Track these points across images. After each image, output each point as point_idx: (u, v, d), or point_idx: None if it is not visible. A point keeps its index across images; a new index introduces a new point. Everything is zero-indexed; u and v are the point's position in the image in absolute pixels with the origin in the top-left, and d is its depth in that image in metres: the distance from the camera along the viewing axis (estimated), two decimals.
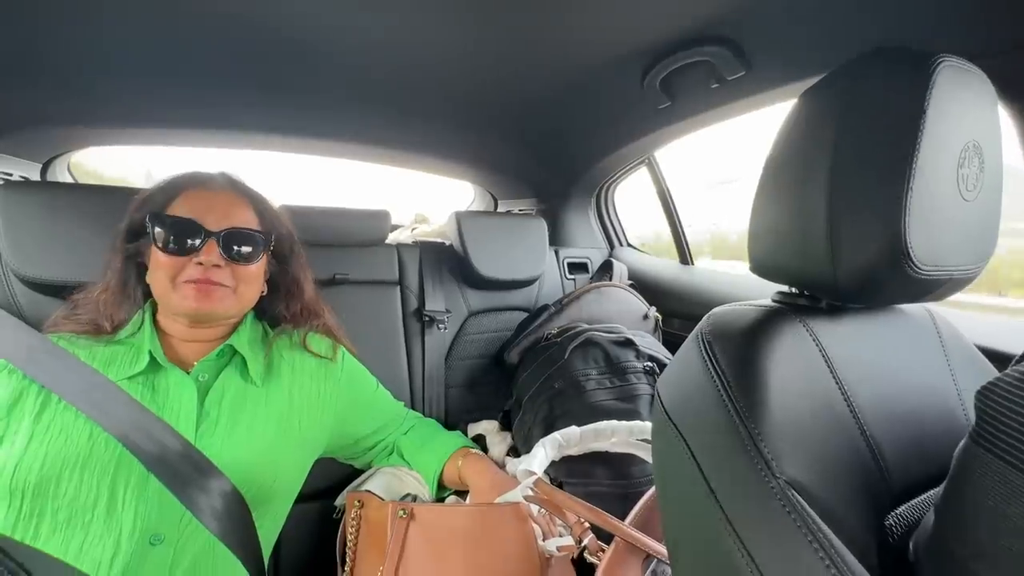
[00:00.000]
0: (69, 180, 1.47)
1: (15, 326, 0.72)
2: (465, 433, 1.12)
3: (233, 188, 0.77)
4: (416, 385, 1.24)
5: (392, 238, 1.59)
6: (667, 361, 1.03)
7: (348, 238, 1.23)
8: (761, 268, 0.54)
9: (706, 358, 0.48)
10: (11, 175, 1.20)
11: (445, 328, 1.28)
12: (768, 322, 0.48)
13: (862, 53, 0.45)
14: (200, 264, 0.69)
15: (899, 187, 0.40)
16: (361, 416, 0.91)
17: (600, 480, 0.87)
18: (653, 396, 0.96)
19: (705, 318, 0.54)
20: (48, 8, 0.78)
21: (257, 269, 0.76)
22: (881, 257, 0.42)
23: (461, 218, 1.33)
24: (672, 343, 1.24)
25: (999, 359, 0.59)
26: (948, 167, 0.42)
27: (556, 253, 1.58)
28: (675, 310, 1.39)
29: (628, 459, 0.85)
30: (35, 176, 1.30)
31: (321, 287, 1.16)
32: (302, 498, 0.86)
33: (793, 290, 0.54)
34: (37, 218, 0.89)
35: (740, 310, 0.52)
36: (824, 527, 0.37)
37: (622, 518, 0.66)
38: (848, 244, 0.43)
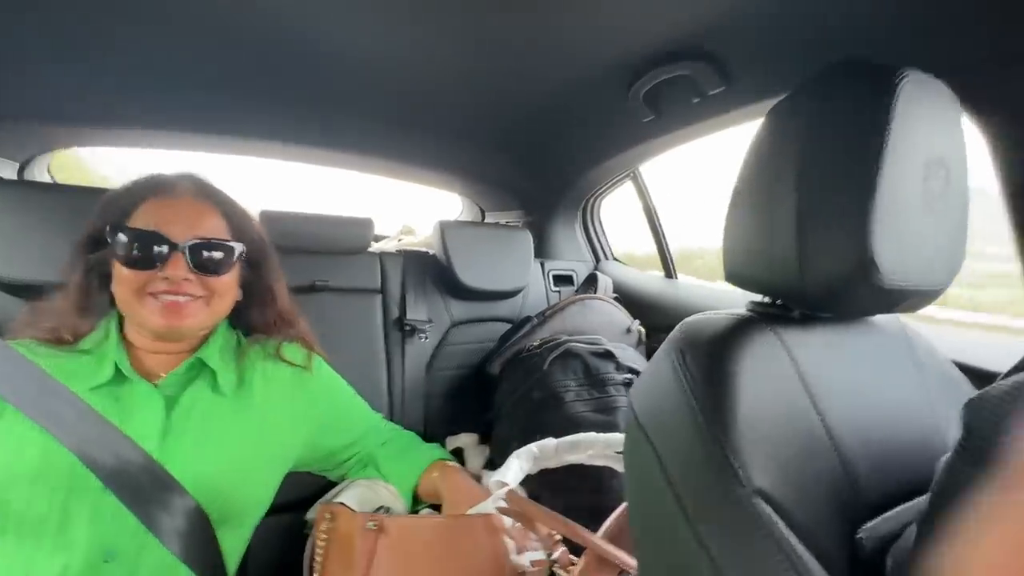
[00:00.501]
0: (48, 181, 1.45)
1: None
2: (444, 446, 1.10)
3: (199, 194, 0.72)
4: (396, 395, 1.22)
5: (378, 248, 1.58)
6: None
7: (330, 245, 1.22)
8: (735, 277, 0.54)
9: (677, 366, 0.47)
10: None
11: (426, 338, 1.26)
12: (739, 330, 0.47)
13: (825, 67, 0.46)
14: (166, 279, 0.65)
15: (865, 198, 0.40)
16: (336, 428, 0.89)
17: (577, 493, 0.85)
18: None
19: (678, 327, 0.53)
20: (34, 1, 0.77)
21: (229, 279, 0.72)
22: (847, 265, 0.42)
23: (445, 227, 1.32)
24: None
25: (975, 375, 0.59)
26: (914, 180, 0.42)
27: (542, 265, 1.58)
28: (659, 324, 1.39)
29: (605, 472, 0.84)
30: (12, 175, 1.27)
31: (300, 294, 1.15)
32: (272, 511, 0.84)
33: (766, 299, 0.53)
34: (12, 217, 0.87)
35: (712, 318, 0.51)
36: (793, 539, 0.36)
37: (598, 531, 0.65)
38: (815, 253, 0.44)
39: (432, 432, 1.22)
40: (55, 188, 0.99)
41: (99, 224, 0.68)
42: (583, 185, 1.52)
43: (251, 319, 0.81)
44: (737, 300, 1.23)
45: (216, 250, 0.68)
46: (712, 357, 0.45)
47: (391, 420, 1.17)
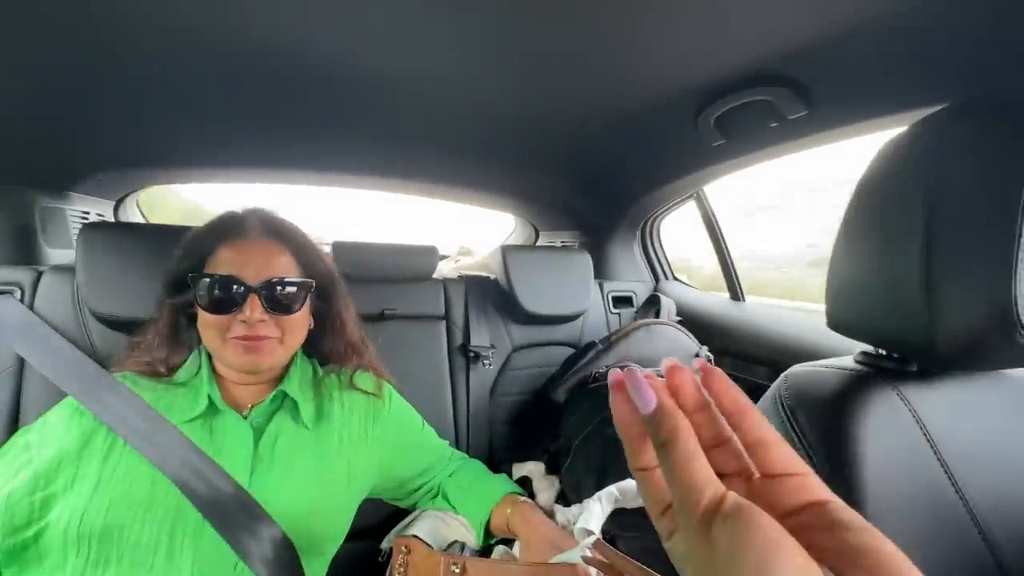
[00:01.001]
0: (138, 215, 1.57)
1: (83, 362, 0.75)
2: (510, 473, 1.09)
3: (268, 232, 0.75)
4: (461, 421, 1.23)
5: (437, 271, 1.61)
6: None
7: (397, 273, 1.25)
8: (841, 325, 0.51)
9: (788, 425, 0.45)
10: (88, 214, 1.28)
11: (490, 364, 1.27)
12: (856, 389, 0.45)
13: (958, 102, 0.43)
14: (244, 322, 0.68)
15: (1008, 247, 0.37)
16: (408, 457, 0.90)
17: (655, 535, 0.83)
18: None
19: (781, 379, 0.51)
20: (124, 64, 0.83)
21: (301, 316, 0.75)
22: (989, 322, 0.38)
23: (507, 252, 1.33)
24: None
25: None
26: None
27: (600, 286, 1.56)
28: (726, 348, 1.34)
29: None
30: (108, 213, 1.38)
31: (370, 322, 1.18)
32: (348, 537, 0.85)
33: (880, 351, 0.50)
34: (108, 257, 0.94)
35: (821, 372, 0.49)
36: None
37: None
38: (950, 305, 0.40)
39: (497, 458, 1.22)
40: (145, 228, 1.07)
41: (182, 268, 0.73)
42: (644, 206, 1.49)
43: (323, 348, 0.84)
44: (810, 324, 1.17)
45: (288, 288, 0.71)
46: (829, 418, 0.43)
47: (457, 446, 1.18)
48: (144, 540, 0.60)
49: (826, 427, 0.43)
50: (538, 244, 1.98)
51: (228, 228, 0.74)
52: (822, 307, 0.53)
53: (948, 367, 0.46)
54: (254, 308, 0.68)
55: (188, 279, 0.70)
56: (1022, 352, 0.40)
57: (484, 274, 1.47)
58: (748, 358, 1.29)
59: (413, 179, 1.48)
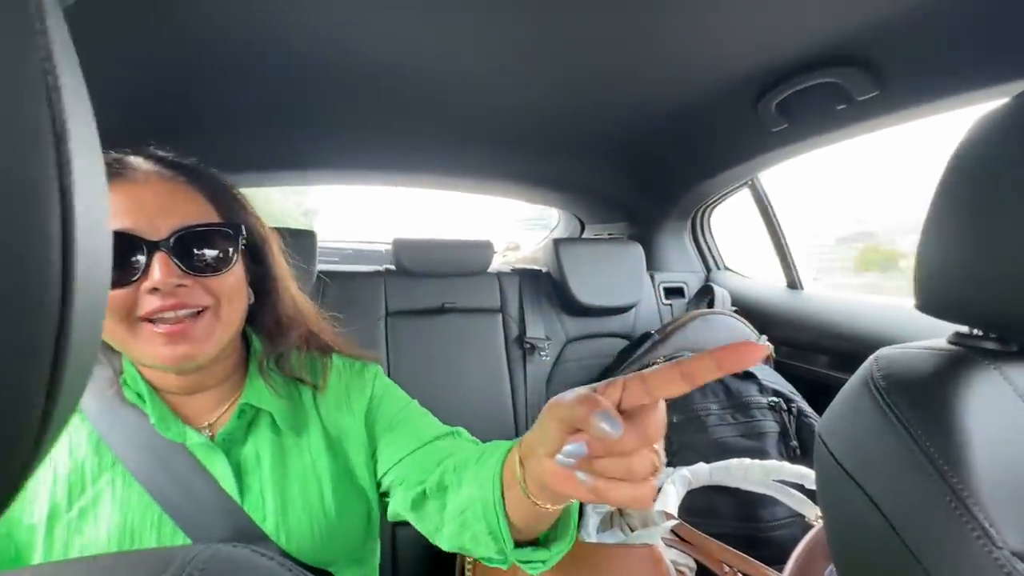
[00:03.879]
0: None
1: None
2: None
3: (169, 171, 0.53)
4: (520, 412, 1.25)
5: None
6: (792, 396, 0.98)
7: (455, 268, 1.28)
8: (933, 305, 0.50)
9: (884, 407, 0.45)
10: None
11: (546, 355, 1.29)
12: (956, 369, 0.44)
13: None
14: (156, 290, 0.47)
15: None
16: (403, 431, 0.66)
17: (724, 519, 0.83)
18: (780, 434, 0.91)
19: (872, 361, 0.51)
20: (199, 77, 0.89)
21: (236, 277, 0.54)
22: None
23: (559, 245, 1.34)
24: (788, 374, 1.17)
25: None
26: None
27: (652, 278, 1.55)
28: (785, 338, 1.32)
29: (757, 499, 0.81)
30: None
31: (431, 315, 1.22)
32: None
33: (975, 331, 0.49)
34: None
35: (916, 354, 0.48)
36: None
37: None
38: None
39: None
40: None
41: None
42: (696, 195, 1.47)
43: (265, 323, 0.61)
44: (873, 312, 1.14)
45: (209, 237, 0.51)
46: (932, 400, 0.43)
47: (516, 437, 1.21)
48: None
49: (928, 409, 0.42)
50: (583, 236, 1.98)
51: (111, 172, 0.50)
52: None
53: None
54: (165, 268, 0.47)
55: None
56: None
57: (536, 267, 1.49)
58: (807, 347, 1.27)
59: (464, 176, 1.51)
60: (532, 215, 2.37)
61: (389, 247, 1.25)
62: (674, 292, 1.58)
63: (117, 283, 0.47)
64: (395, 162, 1.42)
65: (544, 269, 1.44)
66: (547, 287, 1.39)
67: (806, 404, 0.97)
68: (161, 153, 0.55)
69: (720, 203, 1.57)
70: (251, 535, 0.53)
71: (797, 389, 1.04)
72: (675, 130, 1.19)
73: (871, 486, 0.44)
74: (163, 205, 0.50)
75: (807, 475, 0.75)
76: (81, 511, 0.50)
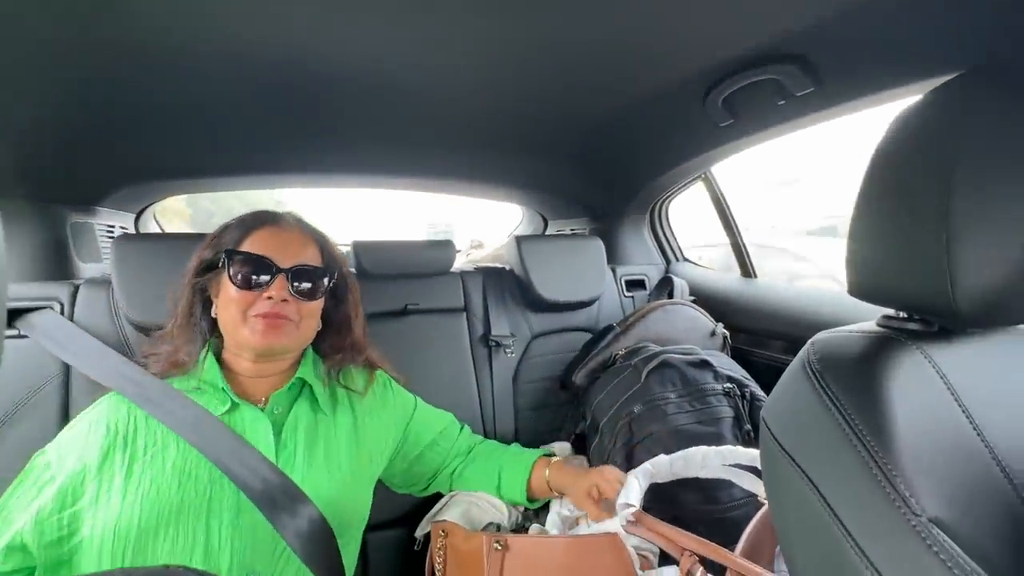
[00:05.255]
0: (155, 226, 1.60)
1: (129, 367, 0.78)
2: None
3: (301, 227, 0.80)
4: (487, 409, 1.26)
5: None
6: (745, 381, 1.02)
7: (417, 269, 1.28)
8: (863, 291, 0.53)
9: (819, 389, 0.48)
10: (113, 227, 1.32)
11: (511, 352, 1.30)
12: (883, 350, 0.47)
13: (977, 66, 0.45)
14: (270, 299, 0.70)
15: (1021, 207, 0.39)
16: (417, 431, 0.94)
17: (685, 505, 0.86)
18: (735, 419, 0.95)
19: (809, 345, 0.53)
20: (150, 81, 0.86)
21: (318, 306, 0.78)
22: (1007, 281, 0.41)
23: (521, 242, 1.35)
24: (744, 360, 1.21)
25: None
26: None
27: (613, 271, 1.58)
28: (740, 325, 1.37)
29: (716, 483, 0.84)
30: (130, 225, 1.41)
31: (393, 317, 1.21)
32: (381, 526, 0.87)
33: (901, 314, 0.52)
34: (144, 266, 0.97)
35: (848, 337, 0.51)
36: (976, 567, 0.36)
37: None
38: (969, 265, 0.42)
39: (524, 443, 1.25)
40: (174, 237, 1.10)
41: (211, 252, 0.75)
42: (652, 189, 1.51)
43: (325, 346, 0.85)
44: (820, 298, 1.19)
45: (313, 275, 0.75)
46: (860, 381, 0.45)
47: (484, 434, 1.22)
48: (180, 542, 0.62)
49: (857, 388, 0.45)
50: (546, 233, 2.00)
51: (266, 217, 0.78)
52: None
53: (968, 326, 0.48)
54: (281, 288, 0.71)
55: (224, 254, 0.72)
56: None
57: (499, 265, 1.50)
58: (762, 333, 1.32)
59: (423, 176, 1.50)
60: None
61: (349, 249, 1.23)
62: (635, 284, 1.61)
63: (249, 287, 0.71)
64: (357, 164, 1.41)
65: (507, 267, 1.44)
66: (511, 284, 1.40)
67: (759, 389, 1.01)
68: (301, 218, 0.82)
69: (676, 196, 1.61)
70: (285, 487, 0.68)
71: (753, 374, 1.08)
72: (630, 127, 1.22)
73: (808, 465, 0.46)
74: (293, 248, 0.75)
75: (759, 457, 0.78)
76: (141, 451, 0.67)
